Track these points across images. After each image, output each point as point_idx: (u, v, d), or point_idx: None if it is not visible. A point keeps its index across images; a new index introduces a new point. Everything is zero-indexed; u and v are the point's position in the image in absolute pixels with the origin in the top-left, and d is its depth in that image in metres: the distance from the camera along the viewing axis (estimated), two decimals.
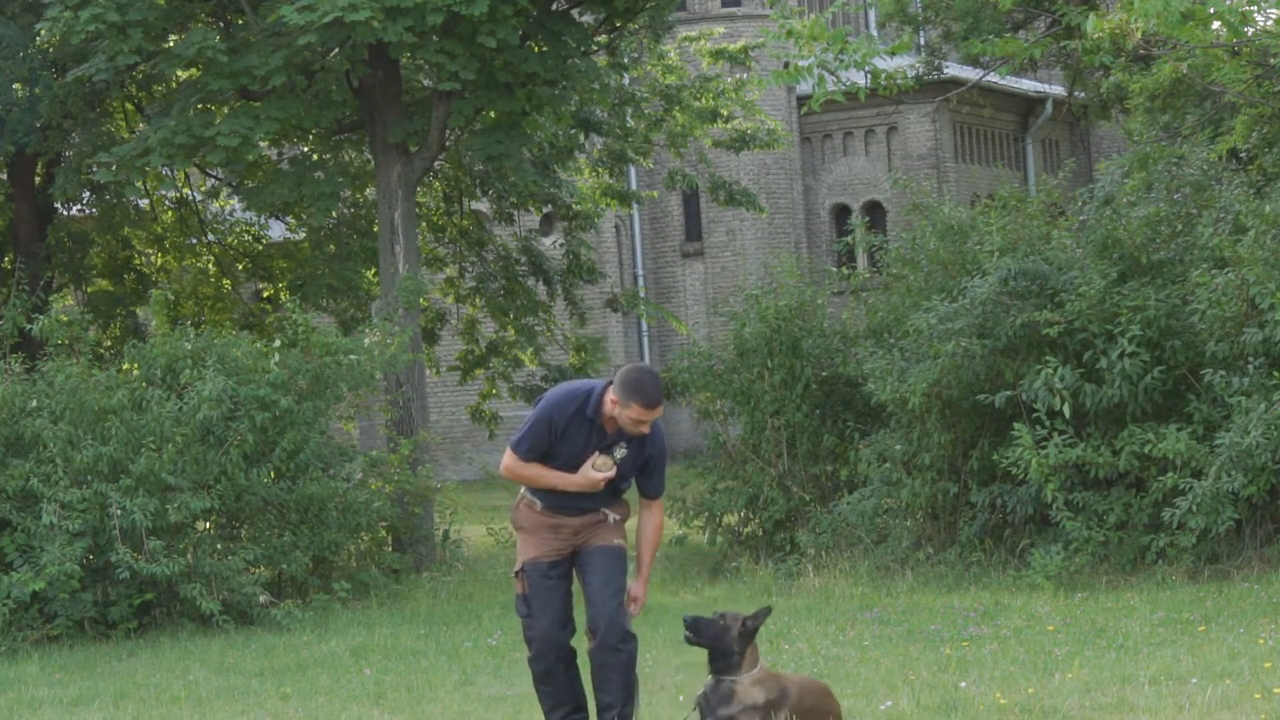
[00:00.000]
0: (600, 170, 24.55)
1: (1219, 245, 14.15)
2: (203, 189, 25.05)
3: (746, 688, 8.09)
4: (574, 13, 18.95)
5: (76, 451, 14.42)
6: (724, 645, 8.07)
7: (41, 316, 15.76)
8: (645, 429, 8.10)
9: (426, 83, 19.58)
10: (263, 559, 15.10)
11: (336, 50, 18.04)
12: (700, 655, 8.33)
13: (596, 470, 8.14)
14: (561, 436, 8.14)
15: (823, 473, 16.59)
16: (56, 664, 13.02)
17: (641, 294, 29.28)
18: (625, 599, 8.24)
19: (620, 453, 8.18)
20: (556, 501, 8.25)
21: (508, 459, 8.25)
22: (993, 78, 23.86)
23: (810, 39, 13.40)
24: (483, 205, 24.97)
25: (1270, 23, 15.26)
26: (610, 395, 8.08)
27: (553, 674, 8.29)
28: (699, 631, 8.13)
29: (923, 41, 29.41)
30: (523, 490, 8.34)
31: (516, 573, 8.33)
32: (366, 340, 16.67)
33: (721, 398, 17.36)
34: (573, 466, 8.16)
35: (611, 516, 8.29)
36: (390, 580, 15.98)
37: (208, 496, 14.63)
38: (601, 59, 21.03)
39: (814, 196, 36.72)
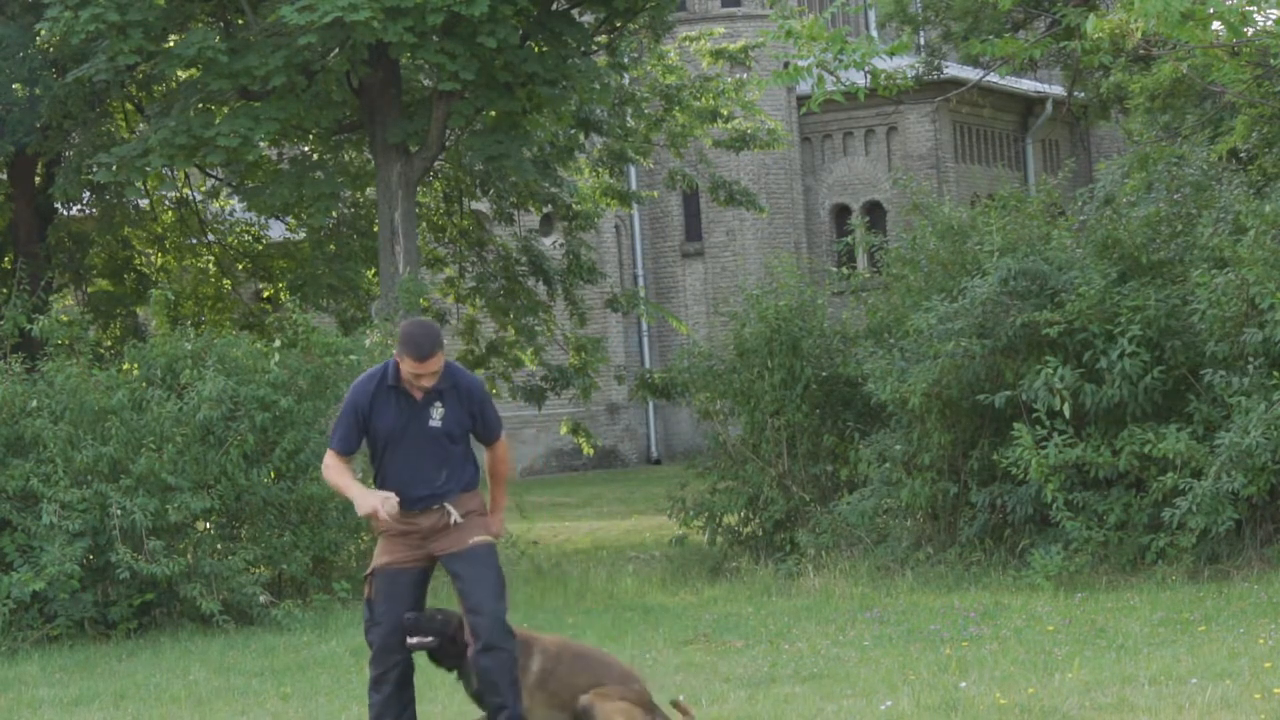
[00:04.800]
0: (600, 170, 24.56)
1: (1219, 245, 14.15)
2: (203, 189, 25.06)
3: None
4: (574, 13, 18.96)
5: (76, 451, 14.41)
6: (448, 634, 8.26)
7: (41, 316, 15.76)
8: (426, 383, 8.12)
9: (426, 83, 19.59)
10: (263, 559, 15.09)
11: (336, 50, 18.06)
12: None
13: (383, 505, 8.05)
14: (372, 414, 8.18)
15: (823, 473, 16.57)
16: (56, 664, 13.00)
17: (641, 294, 29.27)
18: (505, 599, 8.24)
19: (439, 412, 8.20)
20: (401, 494, 8.16)
21: (325, 459, 8.34)
22: (993, 78, 23.84)
23: (810, 39, 13.39)
24: (483, 205, 24.97)
25: (1270, 23, 15.22)
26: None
27: (385, 681, 8.35)
28: (421, 627, 8.25)
29: (922, 41, 29.43)
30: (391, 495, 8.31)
31: (366, 576, 8.42)
32: (367, 340, 16.66)
33: (721, 398, 17.34)
34: (398, 441, 8.15)
35: (454, 516, 8.23)
36: None
37: (208, 496, 14.62)
38: (601, 59, 21.03)
39: (814, 196, 36.73)
